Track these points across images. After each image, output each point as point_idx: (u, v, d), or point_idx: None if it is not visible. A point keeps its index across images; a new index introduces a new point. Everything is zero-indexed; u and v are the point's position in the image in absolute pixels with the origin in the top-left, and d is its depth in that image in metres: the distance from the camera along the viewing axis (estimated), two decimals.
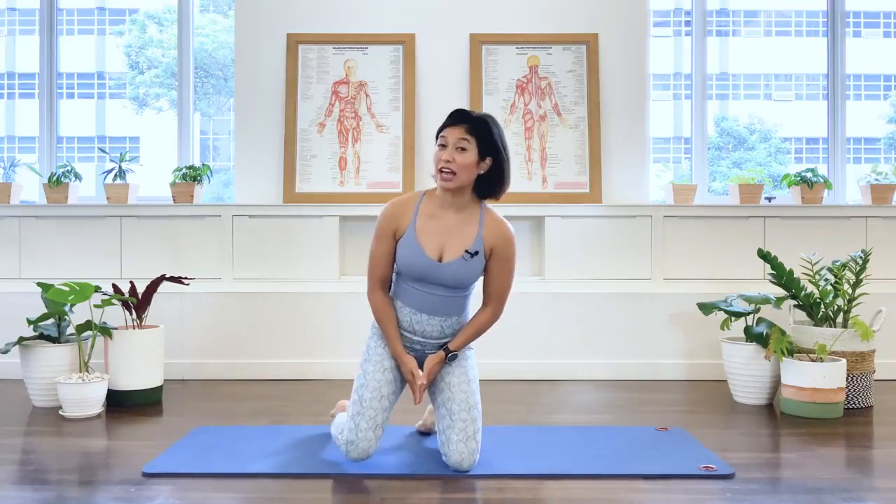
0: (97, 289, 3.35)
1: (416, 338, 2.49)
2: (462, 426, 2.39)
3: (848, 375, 3.30)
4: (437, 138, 2.42)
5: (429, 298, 2.44)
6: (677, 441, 2.77)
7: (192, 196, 4.15)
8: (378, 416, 2.40)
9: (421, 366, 2.50)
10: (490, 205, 2.53)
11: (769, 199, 4.33)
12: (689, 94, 4.59)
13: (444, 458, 2.42)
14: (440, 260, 2.41)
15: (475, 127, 2.38)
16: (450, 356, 2.46)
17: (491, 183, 2.46)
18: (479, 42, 4.28)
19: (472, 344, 2.57)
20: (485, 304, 2.52)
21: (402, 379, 2.51)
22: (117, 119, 5.20)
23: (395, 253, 2.47)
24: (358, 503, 2.19)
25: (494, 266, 2.46)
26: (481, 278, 2.52)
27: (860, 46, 5.11)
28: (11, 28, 4.97)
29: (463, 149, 2.36)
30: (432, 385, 2.50)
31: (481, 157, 2.40)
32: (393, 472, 2.40)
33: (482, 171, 2.43)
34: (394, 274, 2.53)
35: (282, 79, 4.28)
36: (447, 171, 2.37)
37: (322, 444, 2.69)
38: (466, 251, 2.40)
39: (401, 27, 4.30)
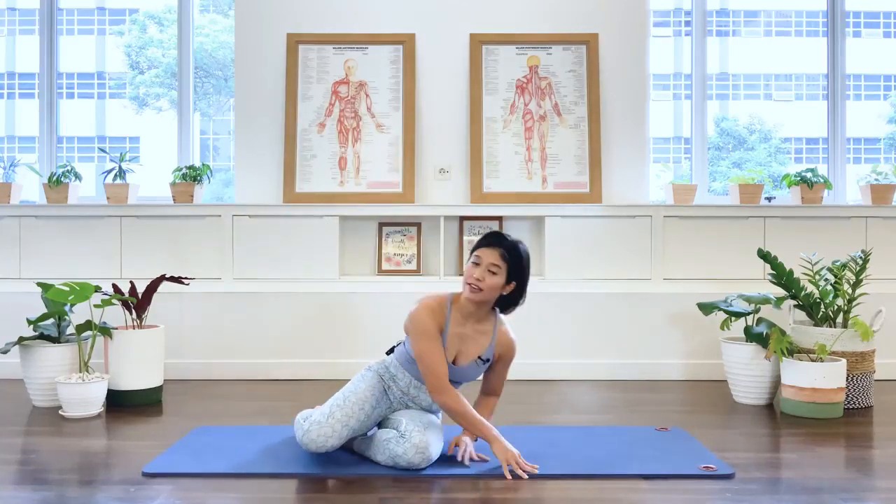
0: (97, 289, 3.35)
1: (407, 399, 2.65)
2: (419, 419, 2.52)
3: (848, 375, 3.30)
4: (470, 254, 2.56)
5: None
6: (677, 441, 2.77)
7: (192, 196, 4.15)
8: (352, 418, 2.50)
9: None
10: (502, 317, 2.66)
11: (769, 199, 4.33)
12: (689, 94, 4.59)
13: (401, 439, 2.44)
14: (454, 363, 2.59)
15: (509, 253, 2.52)
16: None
17: (509, 301, 2.63)
18: (479, 42, 4.28)
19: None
20: (489, 393, 2.71)
21: (376, 417, 2.61)
22: (117, 119, 5.20)
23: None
24: (357, 503, 2.19)
25: (499, 367, 2.68)
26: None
27: (860, 46, 5.10)
28: (11, 28, 4.97)
29: (493, 273, 2.51)
30: (387, 418, 2.64)
31: (507, 281, 2.55)
32: (392, 472, 2.41)
33: (505, 293, 2.58)
34: (404, 348, 2.62)
35: (282, 79, 4.28)
36: (476, 287, 2.52)
37: None
38: (479, 357, 2.61)
39: (401, 27, 4.30)
